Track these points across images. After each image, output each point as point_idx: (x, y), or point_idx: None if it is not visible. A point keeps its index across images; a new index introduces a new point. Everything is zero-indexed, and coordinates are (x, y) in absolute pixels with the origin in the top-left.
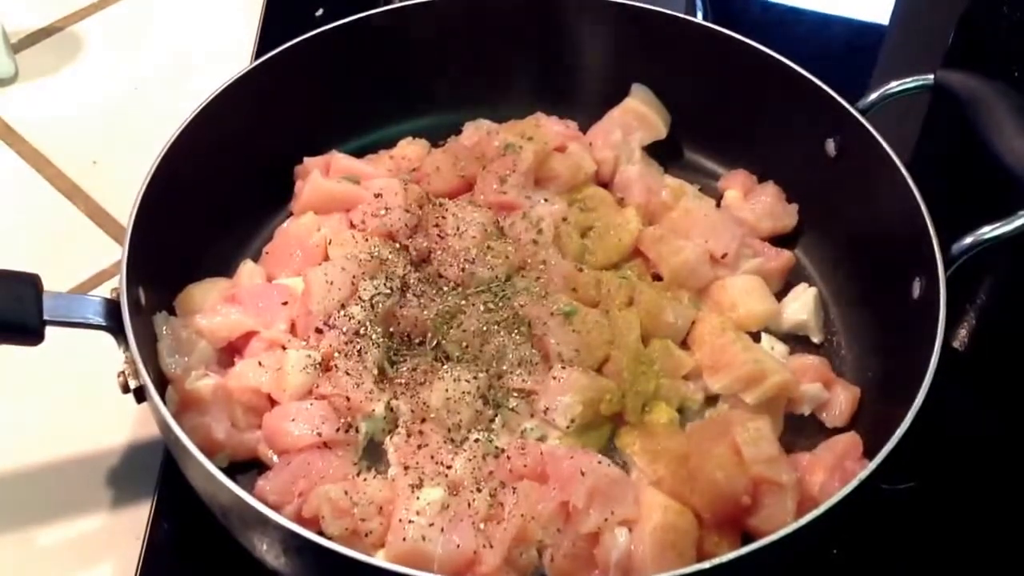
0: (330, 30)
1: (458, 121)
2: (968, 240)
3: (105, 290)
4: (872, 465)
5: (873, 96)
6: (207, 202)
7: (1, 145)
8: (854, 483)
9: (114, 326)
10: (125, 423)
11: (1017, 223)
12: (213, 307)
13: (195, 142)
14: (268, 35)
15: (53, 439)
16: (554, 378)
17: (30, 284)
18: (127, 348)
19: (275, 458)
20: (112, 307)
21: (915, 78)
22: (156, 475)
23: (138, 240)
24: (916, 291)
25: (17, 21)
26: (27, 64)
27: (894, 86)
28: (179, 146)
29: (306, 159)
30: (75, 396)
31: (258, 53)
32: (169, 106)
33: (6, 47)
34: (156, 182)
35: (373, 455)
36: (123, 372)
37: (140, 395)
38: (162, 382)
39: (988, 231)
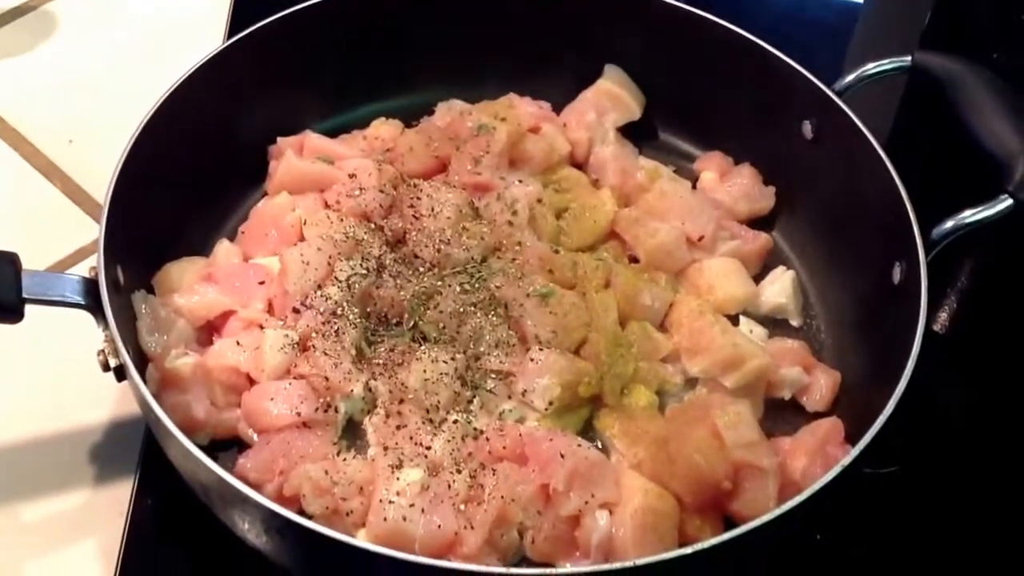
0: (303, 9)
1: (431, 101)
2: (949, 224)
3: (83, 268)
4: (855, 451)
5: (850, 78)
6: (182, 181)
7: None
8: (837, 469)
9: (93, 304)
10: (106, 401)
11: (998, 207)
12: (190, 286)
13: (169, 121)
14: (240, 14)
15: (35, 417)
16: (531, 360)
17: (8, 262)
18: (106, 327)
19: (255, 436)
20: (90, 285)
21: (893, 59)
22: (138, 452)
23: (115, 218)
24: (897, 275)
25: None
26: (1, 43)
27: (871, 67)
28: (153, 125)
29: (280, 139)
30: (56, 374)
31: (230, 32)
32: (144, 84)
33: None
34: (131, 161)
35: (352, 435)
36: (103, 351)
37: (120, 373)
38: (142, 360)
39: (969, 215)
